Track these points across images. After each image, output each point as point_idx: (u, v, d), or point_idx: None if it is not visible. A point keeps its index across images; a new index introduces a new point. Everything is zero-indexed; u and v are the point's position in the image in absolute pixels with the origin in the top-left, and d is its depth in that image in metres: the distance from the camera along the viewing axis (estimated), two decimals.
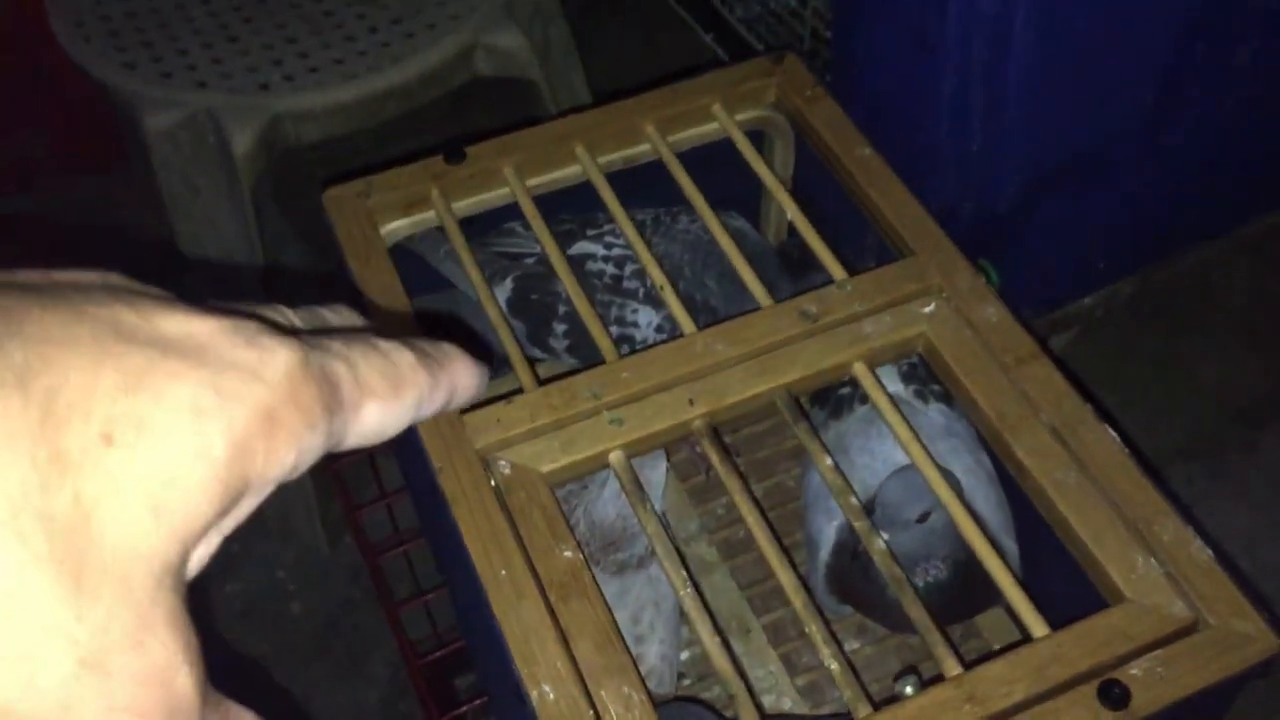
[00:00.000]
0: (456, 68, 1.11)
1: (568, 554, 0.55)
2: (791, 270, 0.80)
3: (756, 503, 0.59)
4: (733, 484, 0.59)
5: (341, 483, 0.92)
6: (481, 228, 0.75)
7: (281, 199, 1.62)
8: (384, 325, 0.28)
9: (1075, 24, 0.70)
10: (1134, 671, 0.51)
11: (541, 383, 0.61)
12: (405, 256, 0.71)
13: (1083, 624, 0.53)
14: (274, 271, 1.16)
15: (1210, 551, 0.54)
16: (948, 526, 0.59)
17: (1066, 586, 0.56)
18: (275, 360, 0.22)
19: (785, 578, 0.56)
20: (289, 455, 0.22)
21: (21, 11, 1.49)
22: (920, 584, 0.61)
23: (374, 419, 0.25)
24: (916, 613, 0.54)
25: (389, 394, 0.25)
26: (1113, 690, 0.50)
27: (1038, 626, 0.53)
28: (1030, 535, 0.58)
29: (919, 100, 0.76)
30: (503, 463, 0.58)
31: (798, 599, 0.55)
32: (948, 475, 0.60)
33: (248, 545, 1.37)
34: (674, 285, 0.69)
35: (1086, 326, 0.94)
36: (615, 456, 0.59)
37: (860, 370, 0.63)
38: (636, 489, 0.58)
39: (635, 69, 1.48)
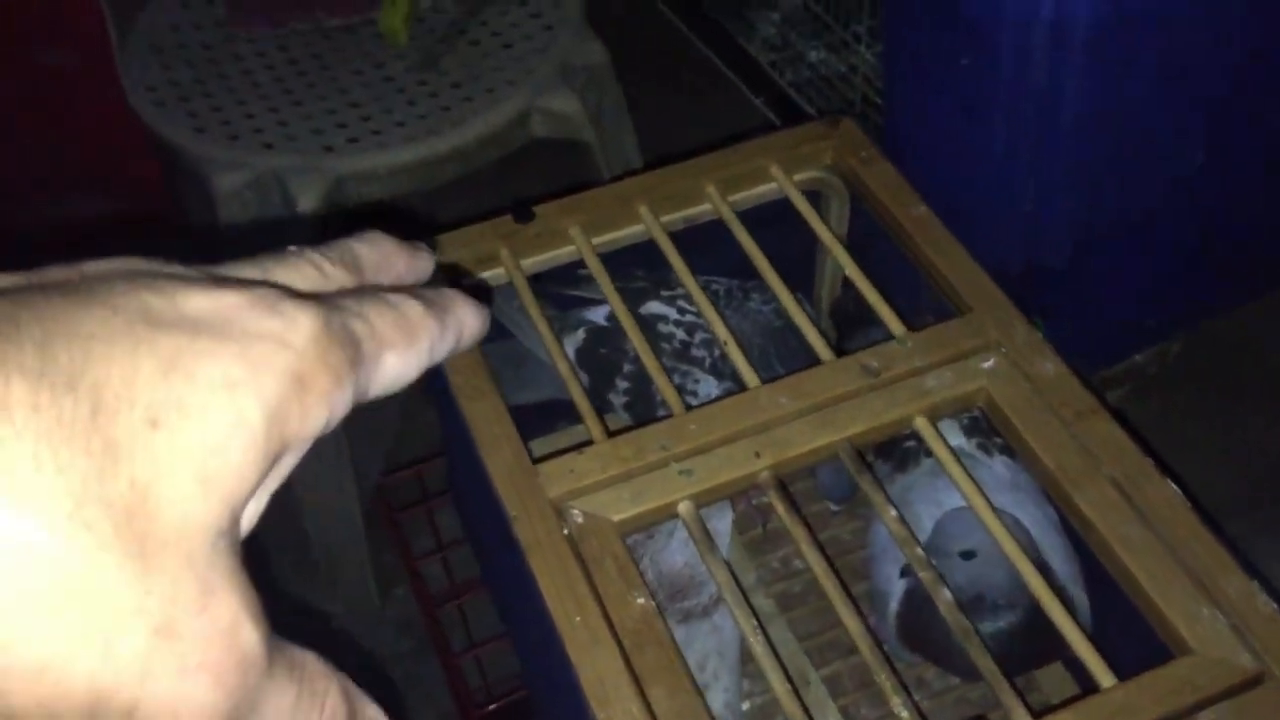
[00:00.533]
0: (513, 130, 1.14)
1: (640, 601, 0.57)
2: (847, 324, 0.82)
3: (823, 552, 0.60)
4: (799, 533, 0.60)
5: (400, 533, 0.94)
6: (558, 276, 0.77)
7: None
8: (412, 251, 0.30)
9: (1123, 90, 0.72)
10: None
11: (610, 435, 0.63)
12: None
13: (1150, 675, 0.53)
14: None
15: (1275, 604, 0.55)
16: (1005, 569, 0.60)
17: (1130, 638, 0.57)
18: (299, 326, 0.23)
19: (853, 625, 0.57)
20: (322, 413, 0.24)
21: (88, 84, 1.54)
22: (980, 626, 0.62)
23: (393, 368, 0.26)
24: (983, 660, 0.55)
25: (404, 343, 0.26)
26: None
27: (1105, 677, 0.54)
28: (1093, 587, 0.59)
29: (970, 164, 0.78)
30: (575, 511, 0.60)
31: (865, 646, 0.56)
32: (1013, 523, 0.61)
33: (299, 596, 1.39)
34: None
35: (1138, 384, 0.95)
36: (684, 507, 0.61)
37: (922, 424, 0.64)
38: (705, 538, 0.60)
39: (685, 131, 1.51)
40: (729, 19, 1.19)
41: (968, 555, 0.63)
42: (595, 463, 0.61)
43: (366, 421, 1.51)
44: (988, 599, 0.63)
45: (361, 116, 1.13)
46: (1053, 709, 0.53)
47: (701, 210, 0.77)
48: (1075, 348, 0.68)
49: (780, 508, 0.61)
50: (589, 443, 0.63)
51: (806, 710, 0.55)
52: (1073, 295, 0.84)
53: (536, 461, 0.61)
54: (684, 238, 0.77)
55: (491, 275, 0.74)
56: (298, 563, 1.40)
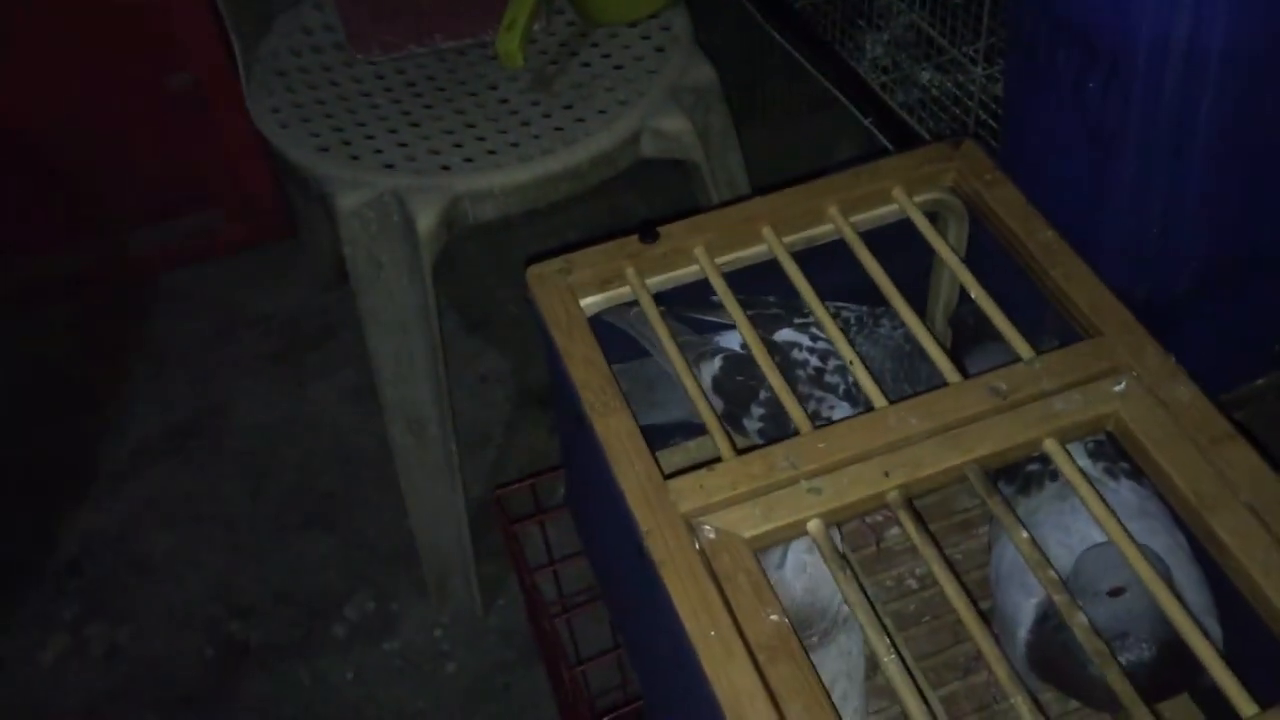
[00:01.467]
0: (624, 150, 1.16)
1: (774, 617, 0.57)
2: (964, 340, 0.82)
3: (954, 571, 0.60)
4: (929, 553, 0.61)
5: (517, 545, 0.96)
6: (691, 299, 0.79)
7: (445, 294, 1.69)
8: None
9: (1260, 116, 0.72)
10: None
11: (739, 453, 0.64)
12: (603, 328, 0.75)
13: None
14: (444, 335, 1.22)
15: None
16: (1149, 603, 0.60)
17: (1266, 668, 0.56)
18: None
19: (987, 646, 0.57)
20: None
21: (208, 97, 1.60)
22: (1123, 660, 0.61)
23: None
24: (1123, 688, 0.55)
25: None
26: None
27: (1246, 705, 0.54)
28: (1226, 616, 0.59)
29: (1095, 191, 0.77)
30: (707, 527, 0.61)
31: (1001, 669, 0.56)
32: (1149, 552, 0.61)
33: (406, 606, 1.42)
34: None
35: (1258, 407, 0.93)
36: (814, 524, 0.62)
37: (1052, 446, 0.64)
38: (835, 556, 0.61)
39: (793, 152, 1.52)
40: (838, 40, 1.19)
41: (1116, 593, 0.63)
42: (725, 479, 0.63)
43: (471, 436, 1.54)
44: (1132, 634, 0.62)
45: (477, 137, 1.16)
46: None
47: (824, 231, 0.78)
48: (1195, 370, 0.67)
49: (910, 528, 0.62)
50: (717, 460, 0.64)
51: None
52: (1197, 321, 0.83)
53: (667, 478, 0.63)
54: (806, 258, 0.78)
55: (617, 293, 0.75)
56: (403, 570, 1.44)
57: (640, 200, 1.75)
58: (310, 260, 1.78)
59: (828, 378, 0.81)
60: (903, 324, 0.72)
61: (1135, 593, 0.62)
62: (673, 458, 0.88)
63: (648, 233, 0.76)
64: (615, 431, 0.65)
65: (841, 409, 0.80)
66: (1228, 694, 0.54)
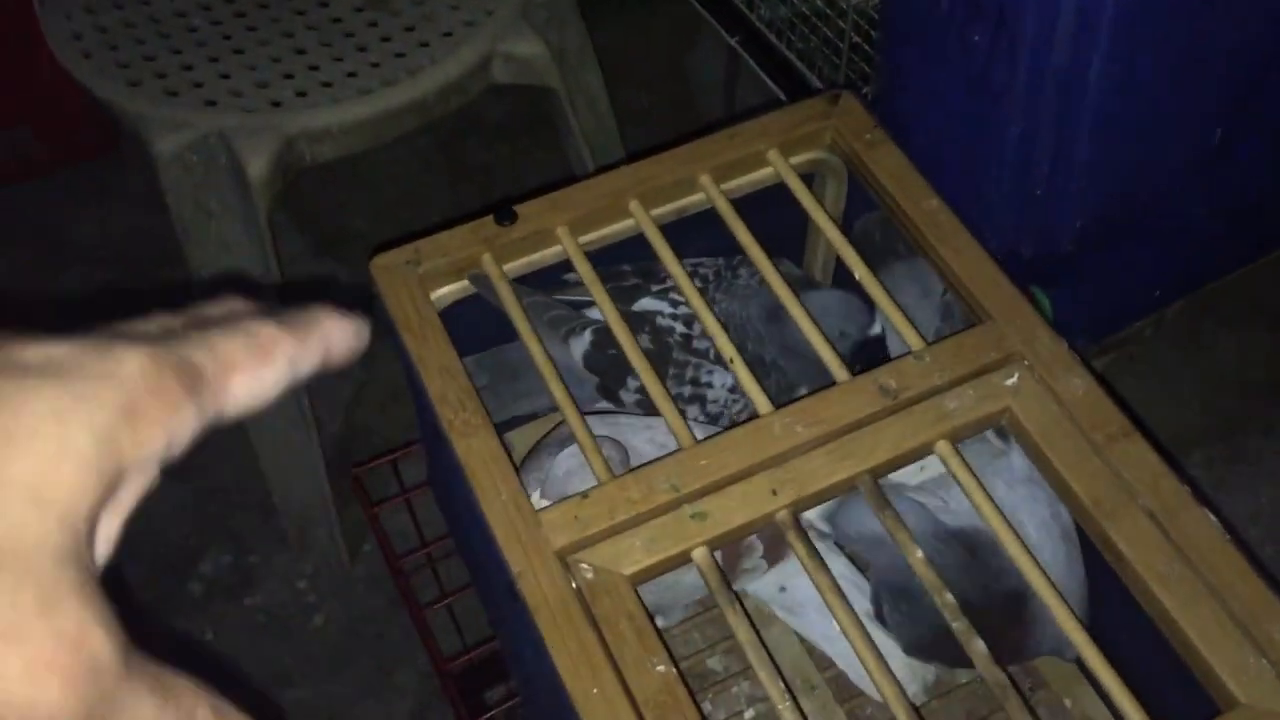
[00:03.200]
0: (474, 78, 1.06)
1: (660, 669, 0.53)
2: (871, 253, 0.76)
3: (840, 594, 0.57)
4: (821, 580, 0.57)
5: (363, 489, 0.89)
6: (548, 279, 0.72)
7: (287, 209, 1.57)
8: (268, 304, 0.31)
9: (1147, 70, 0.68)
10: None
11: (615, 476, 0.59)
12: (467, 303, 0.68)
13: None
14: (288, 289, 1.13)
15: None
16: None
17: (1171, 686, 0.54)
18: (126, 362, 0.25)
19: (856, 636, 0.54)
20: (159, 436, 0.25)
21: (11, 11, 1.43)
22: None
23: (244, 388, 0.28)
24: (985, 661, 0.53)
25: (254, 363, 0.28)
26: None
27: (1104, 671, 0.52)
28: (1130, 629, 0.57)
29: (981, 144, 0.73)
30: (584, 565, 0.56)
31: (869, 657, 0.54)
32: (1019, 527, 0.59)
33: (266, 557, 1.35)
34: (741, 347, 0.66)
35: (1136, 347, 0.92)
36: (699, 554, 0.57)
37: (944, 449, 0.61)
38: (725, 591, 0.56)
39: (654, 73, 1.43)
40: None
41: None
42: (602, 508, 0.57)
43: (325, 376, 1.46)
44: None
45: (310, 66, 1.05)
46: None
47: (695, 200, 0.72)
48: (1078, 320, 0.65)
49: (800, 550, 0.58)
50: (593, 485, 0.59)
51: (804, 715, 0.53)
52: (1080, 271, 0.80)
53: (540, 510, 0.57)
54: (675, 223, 0.72)
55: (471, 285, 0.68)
56: (260, 521, 1.36)
57: (491, 101, 1.64)
58: (134, 179, 1.64)
59: (696, 343, 0.76)
60: (759, 271, 0.67)
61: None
62: (526, 436, 0.81)
63: (504, 214, 0.68)
64: (479, 455, 0.59)
65: (720, 374, 0.76)
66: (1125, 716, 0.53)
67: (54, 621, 0.23)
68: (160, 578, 1.34)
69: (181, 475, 1.40)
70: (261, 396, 0.28)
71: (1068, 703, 0.75)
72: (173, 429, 0.26)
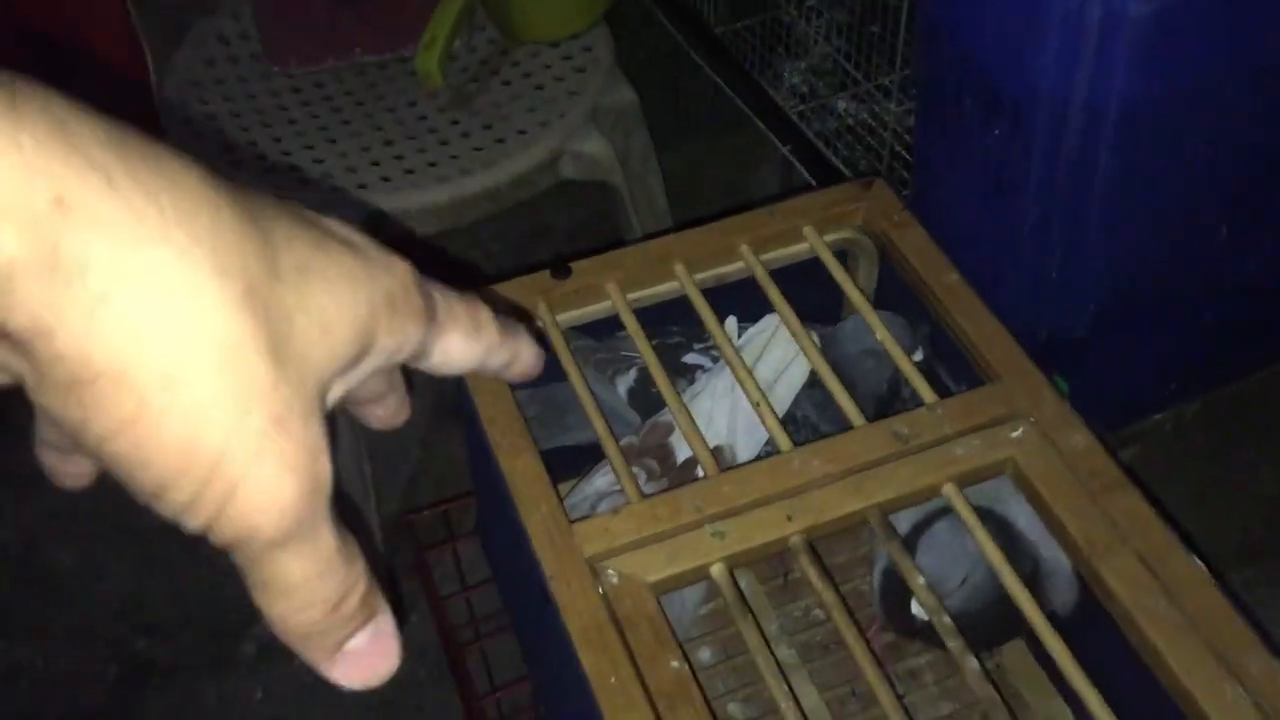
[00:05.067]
0: (543, 171, 1.16)
1: (674, 664, 0.58)
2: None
3: (848, 609, 0.61)
4: (828, 596, 0.62)
5: (428, 571, 0.95)
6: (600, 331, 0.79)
7: None
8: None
9: (1153, 169, 0.74)
10: None
11: (646, 496, 0.65)
12: None
13: None
14: None
15: None
16: (986, 574, 0.64)
17: (1155, 707, 0.58)
18: (398, 264, 0.29)
19: (877, 684, 0.58)
20: (399, 336, 0.29)
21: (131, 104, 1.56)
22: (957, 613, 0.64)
23: (454, 346, 0.31)
24: (957, 647, 0.56)
25: (469, 331, 0.31)
26: None
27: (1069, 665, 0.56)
28: (1115, 660, 0.61)
29: (998, 233, 0.79)
30: (611, 572, 0.61)
31: (889, 704, 0.57)
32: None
33: None
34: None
35: (1155, 441, 0.96)
36: (717, 569, 0.62)
37: (950, 491, 0.65)
38: (739, 601, 0.61)
39: (711, 177, 1.53)
40: (757, 67, 1.20)
41: (961, 583, 0.68)
42: (630, 523, 0.63)
43: (386, 450, 1.53)
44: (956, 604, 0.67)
45: (395, 155, 1.15)
46: None
47: (735, 269, 0.79)
48: (1096, 407, 0.69)
49: (812, 573, 0.63)
50: (624, 504, 0.64)
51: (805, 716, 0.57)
52: (1095, 360, 0.85)
53: (574, 522, 0.63)
54: (720, 292, 0.79)
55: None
56: None
57: (564, 214, 1.75)
58: None
59: None
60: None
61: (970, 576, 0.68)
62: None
63: (560, 269, 0.76)
64: (522, 472, 0.65)
65: None
66: (1047, 646, 0.56)
67: (309, 433, 0.25)
68: (216, 638, 1.40)
69: None
70: (460, 362, 0.32)
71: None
72: (408, 335, 0.29)
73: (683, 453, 0.76)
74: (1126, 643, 0.59)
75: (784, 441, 0.67)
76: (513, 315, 0.35)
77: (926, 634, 0.75)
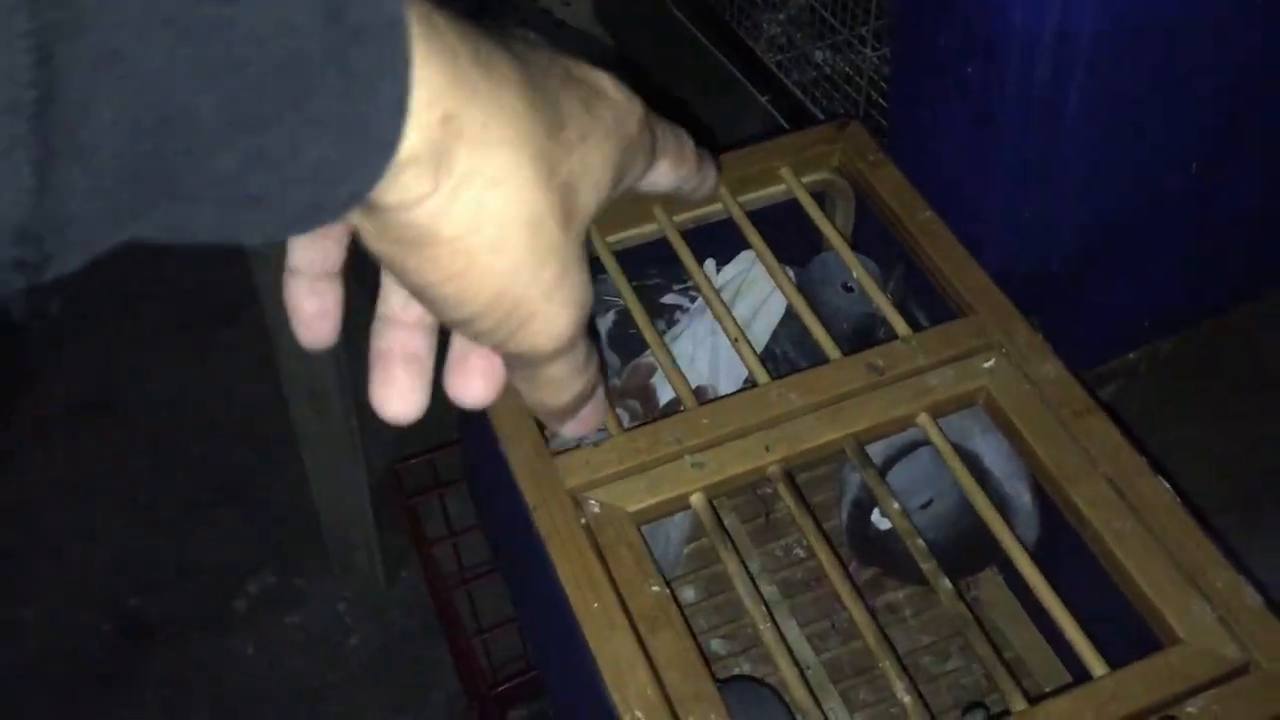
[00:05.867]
0: None
1: (654, 588, 0.59)
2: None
3: (830, 543, 0.63)
4: (806, 524, 0.63)
5: (413, 517, 0.96)
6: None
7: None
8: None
9: (1123, 100, 0.75)
10: (1190, 709, 0.55)
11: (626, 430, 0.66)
12: None
13: (1141, 664, 0.56)
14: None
15: (1261, 598, 0.58)
16: (957, 503, 0.66)
17: (1122, 628, 0.59)
18: (636, 105, 0.33)
19: (858, 613, 0.60)
20: (634, 172, 0.33)
21: None
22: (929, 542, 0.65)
23: (664, 172, 0.35)
24: (929, 569, 0.59)
25: (675, 160, 0.36)
26: None
27: (1098, 666, 0.57)
28: (1088, 578, 0.62)
29: (976, 170, 0.80)
30: (592, 502, 0.63)
31: (870, 634, 0.59)
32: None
33: (308, 578, 1.42)
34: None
35: (1130, 380, 0.97)
36: (696, 498, 0.64)
37: (925, 420, 0.67)
38: (719, 529, 0.63)
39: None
40: (736, 19, 1.21)
41: (924, 506, 0.69)
42: (611, 455, 0.64)
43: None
44: (929, 531, 0.69)
45: None
46: (1047, 695, 0.56)
47: (713, 210, 0.80)
48: (1071, 346, 0.71)
49: (789, 499, 0.64)
50: (605, 436, 0.65)
51: (812, 691, 0.58)
52: (1071, 296, 0.86)
53: (555, 454, 0.64)
54: (699, 233, 0.79)
55: None
56: (308, 543, 1.43)
57: None
58: None
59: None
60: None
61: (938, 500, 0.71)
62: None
63: None
64: (505, 409, 0.66)
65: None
66: (1080, 653, 0.58)
67: (582, 285, 0.30)
68: (210, 595, 1.41)
69: (235, 500, 1.48)
70: (659, 187, 0.36)
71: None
72: (638, 171, 0.33)
73: (665, 394, 0.77)
74: (1089, 575, 0.61)
75: (761, 375, 0.68)
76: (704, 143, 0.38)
77: (895, 563, 0.77)
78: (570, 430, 0.36)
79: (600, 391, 0.36)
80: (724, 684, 0.66)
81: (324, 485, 1.33)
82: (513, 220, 0.28)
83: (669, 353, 0.70)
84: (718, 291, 0.76)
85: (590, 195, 0.30)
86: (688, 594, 0.86)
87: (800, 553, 0.87)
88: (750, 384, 0.69)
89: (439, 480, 0.99)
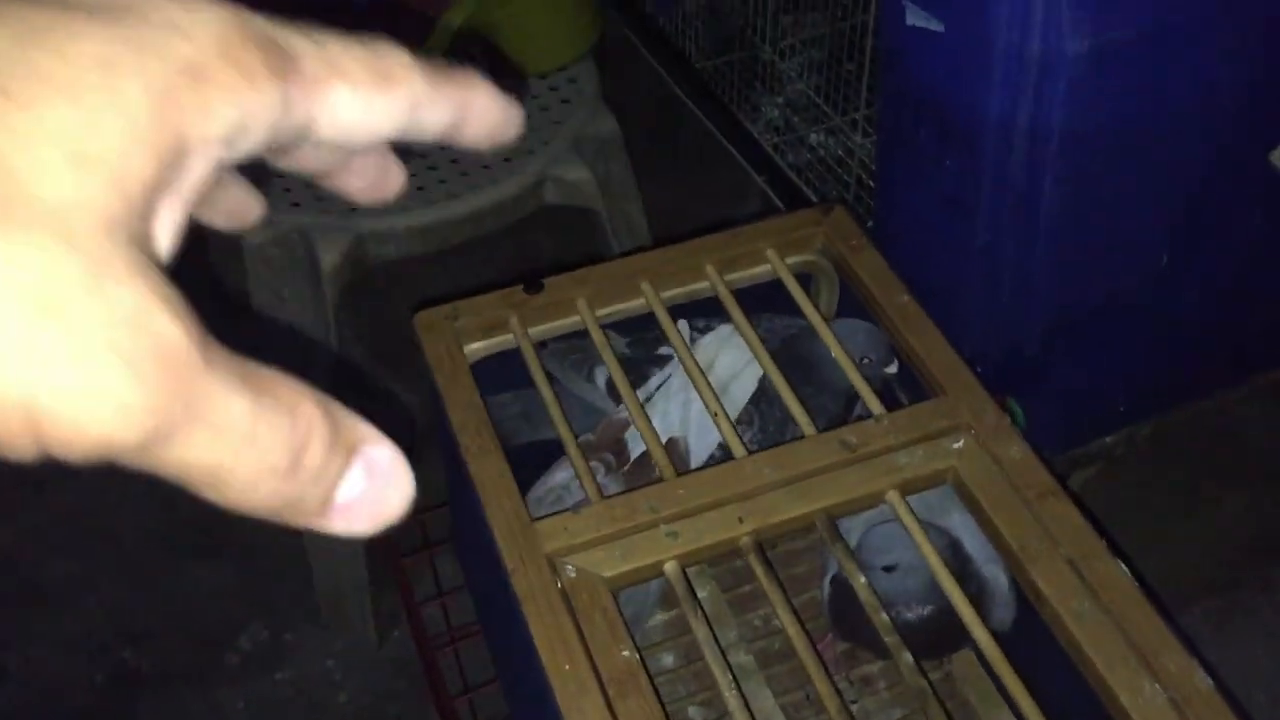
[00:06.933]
0: (527, 197, 1.20)
1: (625, 653, 0.61)
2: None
3: (796, 615, 0.65)
4: (776, 597, 0.65)
5: (404, 577, 0.98)
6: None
7: (351, 307, 1.71)
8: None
9: (1095, 194, 0.78)
10: None
11: (605, 497, 0.68)
12: (482, 366, 0.79)
13: None
14: (344, 365, 1.24)
15: (1210, 681, 0.59)
16: (928, 577, 0.69)
17: (1076, 697, 0.61)
18: (203, 17, 0.21)
19: (820, 683, 0.62)
20: (228, 112, 0.21)
21: None
22: (902, 620, 0.68)
23: (348, 101, 0.23)
24: (893, 642, 0.61)
25: (369, 83, 0.24)
26: None
27: (1007, 673, 0.59)
28: (1044, 656, 0.64)
29: (952, 256, 0.83)
30: (569, 567, 0.65)
31: (831, 705, 0.61)
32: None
33: (298, 634, 1.43)
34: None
35: (1107, 464, 0.99)
36: (670, 566, 0.66)
37: (894, 498, 0.69)
38: (690, 597, 0.65)
39: (690, 205, 1.58)
40: (736, 101, 1.25)
41: (889, 569, 0.73)
42: (589, 522, 0.66)
43: None
44: (899, 604, 0.73)
45: None
46: None
47: (700, 287, 0.83)
48: (1048, 428, 0.73)
49: (759, 570, 0.66)
50: (585, 503, 0.68)
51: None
52: (1047, 379, 0.89)
53: (535, 520, 0.66)
54: (688, 309, 0.82)
55: (500, 340, 0.79)
56: (300, 599, 1.45)
57: (549, 239, 1.79)
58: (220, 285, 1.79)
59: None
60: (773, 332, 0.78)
61: (908, 570, 0.73)
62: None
63: (532, 284, 0.80)
64: (488, 473, 0.69)
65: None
66: (988, 657, 0.60)
67: (107, 297, 0.19)
68: (202, 649, 1.43)
69: (229, 555, 1.50)
70: (368, 123, 0.24)
71: None
72: (247, 108, 0.21)
73: (636, 448, 0.80)
74: (1061, 656, 0.63)
75: (738, 448, 0.71)
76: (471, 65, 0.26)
77: (874, 639, 0.79)
78: (346, 530, 0.24)
79: (376, 450, 0.23)
80: None
81: (317, 541, 1.35)
82: None
83: (647, 418, 0.73)
84: (692, 353, 0.78)
85: (67, 171, 0.19)
86: (666, 660, 0.88)
87: (779, 623, 0.89)
88: (725, 454, 0.71)
89: (428, 541, 1.01)
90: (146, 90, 0.20)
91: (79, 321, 0.18)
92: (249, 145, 0.22)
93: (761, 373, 0.79)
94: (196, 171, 0.21)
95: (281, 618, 1.45)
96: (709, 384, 0.75)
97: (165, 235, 0.21)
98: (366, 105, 0.24)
